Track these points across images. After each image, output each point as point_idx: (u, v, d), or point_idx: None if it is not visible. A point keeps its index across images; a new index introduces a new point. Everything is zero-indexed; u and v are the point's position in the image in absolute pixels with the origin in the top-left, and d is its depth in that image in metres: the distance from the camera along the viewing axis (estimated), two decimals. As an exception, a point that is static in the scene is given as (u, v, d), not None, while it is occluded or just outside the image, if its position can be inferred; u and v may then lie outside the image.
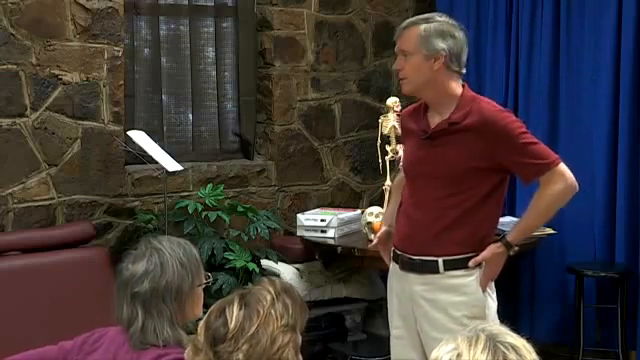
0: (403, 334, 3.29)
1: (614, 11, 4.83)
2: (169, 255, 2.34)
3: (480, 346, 1.49)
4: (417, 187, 3.24)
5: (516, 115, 5.14)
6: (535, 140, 3.15)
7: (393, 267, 3.32)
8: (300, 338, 1.93)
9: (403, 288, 3.25)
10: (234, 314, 1.88)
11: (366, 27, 5.68)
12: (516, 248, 3.18)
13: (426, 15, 3.24)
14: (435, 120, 3.20)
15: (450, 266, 3.15)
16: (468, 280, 3.15)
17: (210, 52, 5.30)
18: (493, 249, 3.15)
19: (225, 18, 5.34)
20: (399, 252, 3.26)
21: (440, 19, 3.20)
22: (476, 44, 5.47)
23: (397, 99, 4.80)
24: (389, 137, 4.73)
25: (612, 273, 4.81)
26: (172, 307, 2.31)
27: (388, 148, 4.73)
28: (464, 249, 3.15)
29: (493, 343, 1.49)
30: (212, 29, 5.29)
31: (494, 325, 1.55)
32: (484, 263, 3.15)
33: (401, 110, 4.74)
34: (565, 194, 3.14)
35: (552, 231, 4.81)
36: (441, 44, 3.13)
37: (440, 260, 3.15)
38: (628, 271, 4.78)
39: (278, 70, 5.38)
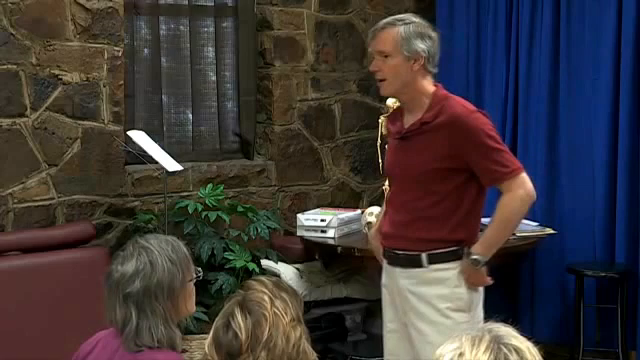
0: (396, 328, 3.36)
1: (614, 11, 4.83)
2: (158, 253, 2.32)
3: (483, 347, 1.49)
4: (395, 188, 3.33)
5: (516, 116, 5.21)
6: (501, 146, 3.19)
7: (384, 263, 3.41)
8: (306, 327, 1.94)
9: (392, 283, 3.34)
10: (241, 325, 1.87)
11: (366, 27, 5.67)
12: (479, 258, 3.16)
13: (400, 16, 3.29)
14: (409, 121, 3.26)
15: (434, 260, 3.21)
16: (451, 273, 3.21)
17: (210, 52, 5.30)
18: (463, 266, 3.21)
19: (225, 18, 5.34)
20: (386, 248, 3.35)
21: (415, 20, 3.25)
22: (476, 44, 5.48)
23: (397, 99, 4.80)
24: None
25: (612, 273, 4.81)
26: (165, 305, 2.29)
27: (388, 148, 4.73)
28: (446, 244, 3.21)
29: (497, 344, 1.49)
30: (212, 29, 5.29)
31: (502, 327, 1.55)
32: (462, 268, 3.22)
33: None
34: (523, 203, 3.17)
35: (552, 231, 4.81)
36: (421, 45, 3.18)
37: (424, 255, 3.21)
38: (628, 271, 4.78)
39: (278, 70, 5.37)
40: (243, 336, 1.86)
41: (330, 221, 4.76)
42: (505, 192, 3.16)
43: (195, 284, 2.43)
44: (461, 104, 3.23)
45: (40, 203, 4.59)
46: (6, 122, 4.48)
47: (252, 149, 5.40)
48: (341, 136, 5.63)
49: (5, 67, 4.46)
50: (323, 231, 4.76)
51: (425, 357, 3.14)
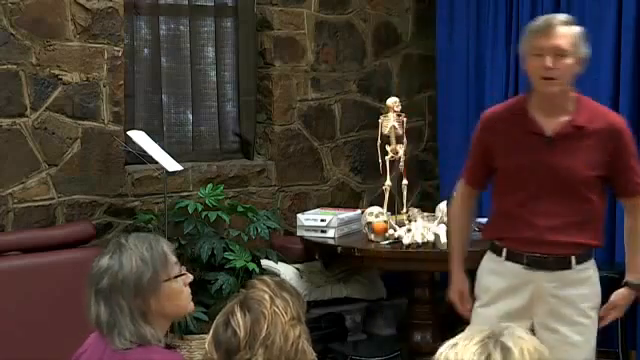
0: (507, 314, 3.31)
1: (614, 11, 4.83)
2: (131, 250, 2.32)
3: (475, 339, 1.49)
4: (536, 190, 3.21)
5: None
6: (638, 157, 3.24)
7: (501, 266, 3.30)
8: (306, 327, 1.95)
9: (526, 286, 3.26)
10: (240, 322, 1.88)
11: (366, 27, 5.68)
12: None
13: (565, 16, 3.23)
14: (547, 122, 3.19)
15: (579, 260, 3.24)
16: (591, 272, 3.28)
17: (210, 52, 5.30)
18: (622, 295, 3.31)
19: (225, 18, 5.34)
20: (525, 252, 3.25)
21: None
22: (476, 44, 5.48)
23: (397, 99, 4.80)
24: (389, 137, 4.73)
25: (612, 273, 4.77)
26: (133, 303, 2.28)
27: (388, 148, 4.73)
28: (589, 243, 3.27)
29: (488, 340, 1.49)
30: (212, 29, 5.29)
31: (517, 328, 1.54)
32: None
33: (401, 110, 4.77)
34: None
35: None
36: (587, 49, 3.20)
37: (573, 257, 3.23)
38: (628, 271, 4.77)
39: (278, 70, 5.38)
40: (241, 333, 1.87)
41: (330, 221, 4.76)
42: (637, 211, 3.27)
43: (192, 284, 2.42)
44: (612, 111, 3.32)
45: (40, 203, 4.59)
46: (6, 122, 4.48)
47: (252, 149, 5.40)
48: (341, 136, 5.63)
49: (5, 67, 4.46)
50: (323, 231, 4.76)
51: (565, 358, 3.15)
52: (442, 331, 4.50)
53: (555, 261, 3.22)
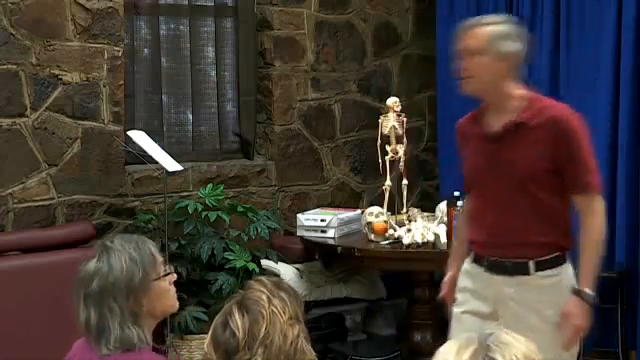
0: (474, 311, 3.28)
1: (614, 11, 4.83)
2: (118, 252, 2.30)
3: (465, 356, 1.48)
4: (490, 192, 3.22)
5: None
6: (593, 155, 3.15)
7: (471, 267, 3.31)
8: (305, 327, 1.96)
9: (487, 290, 3.24)
10: (239, 323, 1.89)
11: (366, 27, 5.68)
12: (591, 294, 3.14)
13: (490, 16, 3.26)
14: (496, 122, 3.19)
15: (540, 267, 3.16)
16: (556, 279, 3.17)
17: (210, 52, 5.30)
18: (572, 304, 3.13)
19: (225, 18, 5.34)
20: (485, 255, 3.24)
21: (505, 20, 3.21)
22: (476, 44, 5.48)
23: (397, 99, 4.80)
24: (389, 137, 4.73)
25: (612, 273, 4.80)
26: (125, 305, 2.27)
27: (388, 148, 4.73)
28: (551, 249, 3.17)
29: (479, 356, 1.48)
30: (212, 29, 5.29)
31: (503, 334, 1.52)
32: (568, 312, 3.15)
33: (401, 110, 4.77)
34: (604, 223, 3.15)
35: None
36: (511, 46, 3.13)
37: (531, 262, 3.16)
38: (628, 271, 4.78)
39: (278, 70, 5.38)
40: (240, 334, 1.88)
41: (330, 221, 4.77)
42: (588, 214, 3.12)
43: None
44: (561, 105, 3.22)
45: (40, 203, 4.59)
46: (6, 122, 4.48)
47: (252, 149, 5.40)
48: (341, 136, 5.63)
49: (5, 67, 4.46)
50: (323, 231, 4.77)
51: None
52: (442, 331, 4.50)
53: (513, 266, 3.18)
